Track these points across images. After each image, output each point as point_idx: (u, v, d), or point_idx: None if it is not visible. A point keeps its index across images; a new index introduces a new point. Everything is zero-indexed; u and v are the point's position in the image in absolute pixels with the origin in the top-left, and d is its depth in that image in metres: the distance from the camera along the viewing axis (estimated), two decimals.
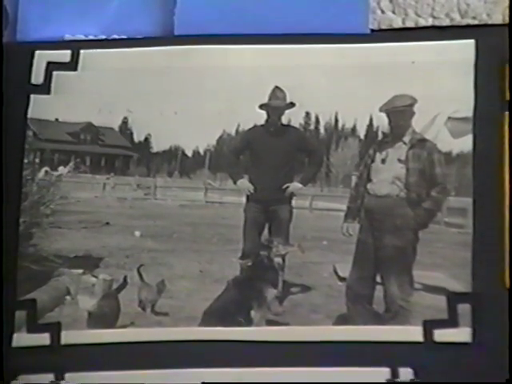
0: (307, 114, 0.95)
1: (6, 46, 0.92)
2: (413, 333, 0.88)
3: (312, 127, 0.96)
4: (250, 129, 0.96)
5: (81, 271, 0.94)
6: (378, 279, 0.94)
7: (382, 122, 0.93)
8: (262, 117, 0.96)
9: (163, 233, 0.98)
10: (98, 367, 0.87)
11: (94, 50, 0.93)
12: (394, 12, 0.95)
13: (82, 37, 0.95)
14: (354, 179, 0.98)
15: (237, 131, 0.95)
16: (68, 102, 0.94)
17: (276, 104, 0.94)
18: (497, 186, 0.88)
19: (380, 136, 0.95)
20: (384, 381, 0.86)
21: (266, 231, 0.99)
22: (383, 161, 0.95)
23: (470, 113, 0.89)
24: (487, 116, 0.89)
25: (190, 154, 0.98)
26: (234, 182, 0.99)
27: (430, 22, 0.95)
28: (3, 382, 0.86)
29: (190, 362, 0.87)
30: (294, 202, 0.98)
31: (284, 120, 0.96)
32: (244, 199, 0.98)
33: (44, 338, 0.89)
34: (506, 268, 0.86)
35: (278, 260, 0.96)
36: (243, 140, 0.97)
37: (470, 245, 0.88)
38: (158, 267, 0.96)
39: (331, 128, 0.96)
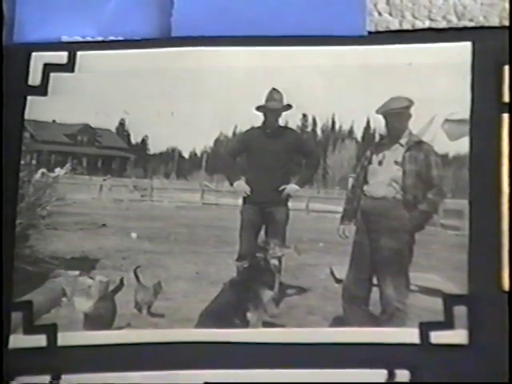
0: (304, 115, 0.94)
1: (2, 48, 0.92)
2: (409, 335, 0.88)
3: (309, 129, 0.96)
4: (247, 130, 0.96)
5: (77, 273, 0.93)
6: (375, 281, 0.94)
7: (379, 124, 0.93)
8: (259, 118, 0.95)
9: (160, 234, 0.98)
10: (94, 369, 0.87)
11: (91, 52, 0.93)
12: (390, 14, 0.95)
13: (78, 38, 0.95)
14: (350, 181, 0.97)
15: (234, 133, 0.95)
16: (65, 103, 0.94)
17: (273, 106, 0.94)
18: (493, 188, 0.88)
19: (377, 138, 0.95)
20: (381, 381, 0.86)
21: (262, 233, 0.99)
22: (380, 163, 0.95)
23: (466, 115, 0.89)
24: (484, 118, 0.89)
25: (186, 155, 0.98)
26: (231, 184, 0.99)
27: (426, 24, 0.95)
28: None
29: (186, 364, 0.87)
30: (290, 204, 0.97)
31: (281, 122, 0.96)
32: (240, 201, 0.98)
33: (40, 340, 0.89)
34: (505, 271, 0.86)
35: (274, 262, 0.96)
36: (240, 142, 0.97)
37: (466, 247, 0.88)
38: (155, 269, 0.96)
39: (328, 130, 0.96)
